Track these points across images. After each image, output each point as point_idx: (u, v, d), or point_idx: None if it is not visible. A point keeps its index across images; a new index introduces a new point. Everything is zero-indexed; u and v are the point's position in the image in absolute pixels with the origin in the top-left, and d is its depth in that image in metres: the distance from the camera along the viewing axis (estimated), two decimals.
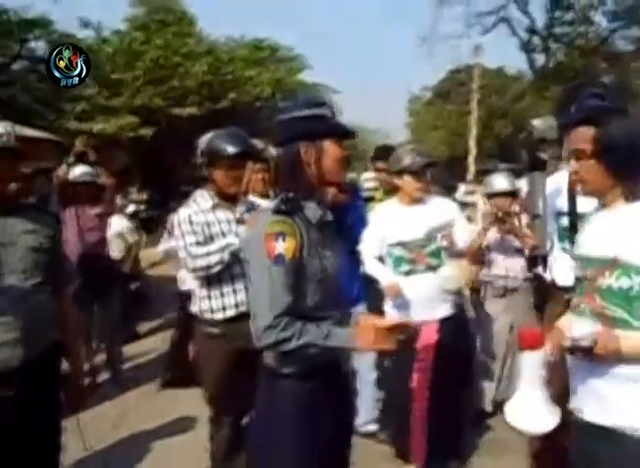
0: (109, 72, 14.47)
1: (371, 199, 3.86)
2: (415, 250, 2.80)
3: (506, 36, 21.68)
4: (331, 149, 1.58)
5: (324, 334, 1.50)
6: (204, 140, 2.52)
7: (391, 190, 3.22)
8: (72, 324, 2.16)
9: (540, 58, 21.64)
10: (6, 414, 1.70)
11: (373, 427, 3.27)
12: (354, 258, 3.20)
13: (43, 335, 1.83)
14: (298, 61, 18.38)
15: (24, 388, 1.75)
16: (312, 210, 1.58)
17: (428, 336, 2.76)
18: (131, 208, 9.79)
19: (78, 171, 4.27)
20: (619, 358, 1.44)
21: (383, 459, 3.09)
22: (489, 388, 3.47)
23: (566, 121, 1.76)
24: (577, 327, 1.56)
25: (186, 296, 3.60)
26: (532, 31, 21.22)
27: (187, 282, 3.66)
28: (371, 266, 2.97)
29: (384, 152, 3.63)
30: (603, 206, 1.58)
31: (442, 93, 27.25)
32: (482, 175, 9.73)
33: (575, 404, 1.58)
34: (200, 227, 2.44)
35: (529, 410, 1.56)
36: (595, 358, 1.45)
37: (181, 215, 2.49)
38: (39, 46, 14.60)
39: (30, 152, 2.85)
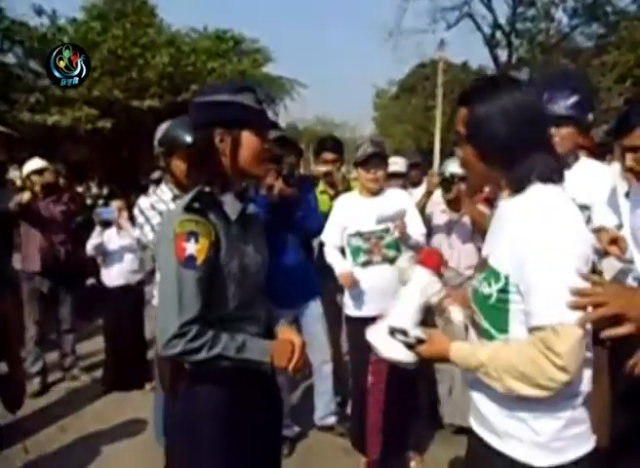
0: None
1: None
2: (371, 240, 2.80)
3: (470, 31, 22.02)
4: (249, 140, 1.47)
5: (237, 346, 1.40)
6: (161, 130, 2.47)
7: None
8: (13, 325, 2.10)
9: (502, 54, 22.03)
10: None
11: (331, 420, 3.24)
12: (307, 252, 3.16)
13: None
14: (262, 54, 18.13)
15: None
16: (230, 204, 1.46)
17: None
18: (89, 201, 9.54)
19: (32, 164, 4.24)
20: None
21: (341, 452, 3.11)
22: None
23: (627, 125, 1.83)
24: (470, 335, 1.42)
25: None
26: (495, 27, 21.55)
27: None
28: (329, 255, 2.99)
29: (330, 143, 3.58)
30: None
31: (408, 87, 27.49)
32: None
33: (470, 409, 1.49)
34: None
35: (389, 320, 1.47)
36: (419, 357, 1.37)
37: (143, 204, 2.49)
38: None
39: None
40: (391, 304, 2.80)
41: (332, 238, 2.94)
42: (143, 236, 2.48)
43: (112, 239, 4.27)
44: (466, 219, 3.06)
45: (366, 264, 2.81)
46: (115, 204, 4.43)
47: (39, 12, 14.40)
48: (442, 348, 1.31)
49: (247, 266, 1.49)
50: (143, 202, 2.52)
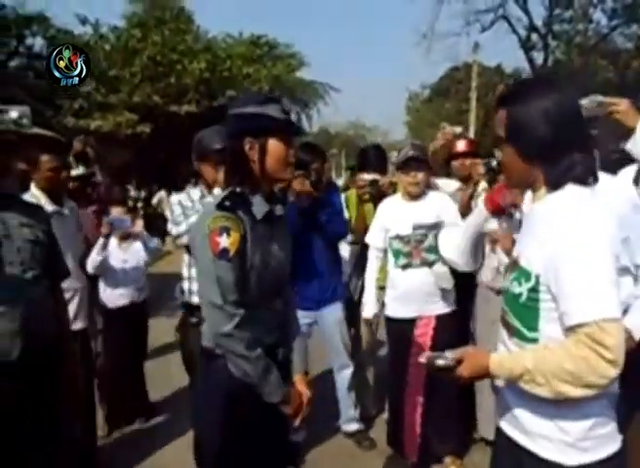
0: (107, 69, 14.46)
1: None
2: (411, 243, 2.82)
3: (504, 34, 21.70)
4: (274, 147, 1.59)
5: (264, 367, 1.56)
6: (197, 137, 2.64)
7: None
8: (68, 318, 2.16)
9: (538, 57, 21.66)
10: (5, 406, 1.69)
11: (354, 426, 3.22)
12: (334, 253, 3.20)
13: (42, 328, 1.81)
14: (296, 59, 18.37)
15: (23, 381, 1.73)
16: (258, 205, 1.59)
17: (424, 331, 2.79)
18: (130, 204, 9.78)
19: (74, 173, 4.17)
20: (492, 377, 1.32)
21: (348, 458, 3.09)
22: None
23: None
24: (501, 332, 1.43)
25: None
26: (531, 29, 21.24)
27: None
28: (368, 273, 3.07)
29: (374, 155, 3.51)
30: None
31: (441, 90, 27.29)
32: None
33: (497, 408, 1.49)
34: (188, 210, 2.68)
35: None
36: (460, 379, 1.35)
37: (173, 199, 2.84)
38: (37, 42, 14.59)
39: (30, 148, 2.88)
40: (429, 307, 2.87)
41: (375, 240, 3.00)
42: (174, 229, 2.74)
43: (115, 253, 3.48)
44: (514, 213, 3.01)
45: (406, 267, 2.84)
46: (117, 210, 3.73)
47: (83, 21, 14.98)
48: (481, 364, 1.32)
49: (269, 261, 1.61)
50: (174, 198, 2.83)
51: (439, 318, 2.78)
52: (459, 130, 3.18)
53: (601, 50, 19.71)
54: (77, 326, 2.59)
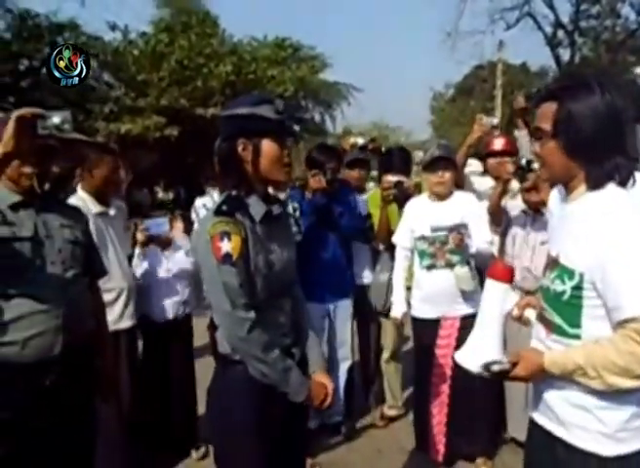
0: (135, 74, 14.77)
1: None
2: (435, 245, 2.83)
3: (530, 31, 21.41)
4: (268, 148, 1.57)
5: (285, 367, 1.55)
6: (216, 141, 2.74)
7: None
8: (105, 316, 2.21)
9: (565, 54, 21.32)
10: (44, 402, 1.73)
11: (336, 419, 3.26)
12: (348, 250, 3.27)
13: (82, 325, 1.87)
14: (319, 60, 18.45)
15: (64, 377, 1.78)
16: (255, 206, 1.58)
17: (449, 332, 2.83)
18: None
19: None
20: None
21: (404, 451, 3.11)
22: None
23: None
24: (535, 329, 1.46)
25: None
26: (557, 26, 20.91)
27: None
28: (396, 272, 3.08)
29: (398, 158, 3.45)
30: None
31: (465, 89, 27.04)
32: None
33: (531, 401, 1.50)
34: None
35: (478, 350, 1.44)
36: (518, 379, 1.37)
37: (198, 203, 3.02)
38: None
39: (67, 152, 3.01)
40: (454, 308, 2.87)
41: (402, 240, 3.01)
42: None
43: (158, 262, 3.02)
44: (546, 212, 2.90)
45: (430, 268, 2.85)
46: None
47: (113, 27, 15.32)
48: (536, 363, 1.34)
49: (272, 262, 1.59)
50: (199, 202, 3.00)
51: (464, 319, 2.78)
52: (496, 121, 3.10)
53: (630, 46, 19.30)
54: (123, 324, 2.64)
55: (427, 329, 2.89)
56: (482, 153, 3.64)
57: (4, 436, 1.67)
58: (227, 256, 1.47)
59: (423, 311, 2.91)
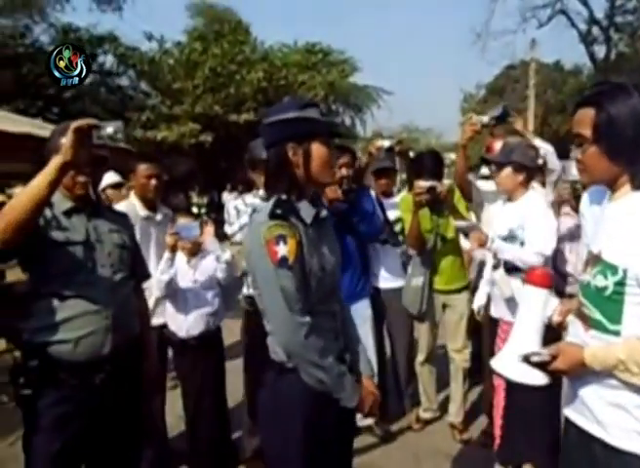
0: (171, 82, 15.21)
1: None
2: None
3: (562, 29, 21.01)
4: (318, 150, 1.56)
5: (339, 373, 1.54)
6: (248, 147, 2.82)
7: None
8: (149, 318, 2.28)
9: (600, 50, 20.86)
10: (94, 401, 1.78)
11: (366, 421, 3.14)
12: (365, 253, 3.29)
13: (129, 326, 1.93)
14: (349, 64, 18.57)
15: (113, 376, 1.82)
16: (305, 209, 1.56)
17: (504, 337, 2.77)
18: (195, 210, 10.25)
19: (108, 178, 3.88)
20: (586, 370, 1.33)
21: (442, 455, 3.15)
22: None
23: None
24: (572, 326, 1.48)
25: None
26: (591, 22, 20.49)
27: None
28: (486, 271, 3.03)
29: (430, 163, 3.34)
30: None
31: (497, 90, 26.70)
32: None
33: (564, 399, 1.50)
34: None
35: (517, 361, 1.40)
36: (556, 372, 1.37)
37: (230, 205, 3.03)
38: (107, 60, 15.58)
39: (125, 159, 3.20)
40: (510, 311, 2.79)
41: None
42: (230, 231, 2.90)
43: (183, 272, 2.77)
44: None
45: (495, 268, 2.76)
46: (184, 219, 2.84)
47: (149, 37, 15.80)
48: (577, 357, 1.33)
49: (325, 265, 1.58)
50: (231, 204, 3.01)
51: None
52: (485, 119, 3.00)
53: None
54: (155, 321, 2.67)
55: (494, 327, 2.84)
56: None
57: (58, 431, 1.73)
58: (284, 260, 1.45)
59: (491, 310, 2.90)
